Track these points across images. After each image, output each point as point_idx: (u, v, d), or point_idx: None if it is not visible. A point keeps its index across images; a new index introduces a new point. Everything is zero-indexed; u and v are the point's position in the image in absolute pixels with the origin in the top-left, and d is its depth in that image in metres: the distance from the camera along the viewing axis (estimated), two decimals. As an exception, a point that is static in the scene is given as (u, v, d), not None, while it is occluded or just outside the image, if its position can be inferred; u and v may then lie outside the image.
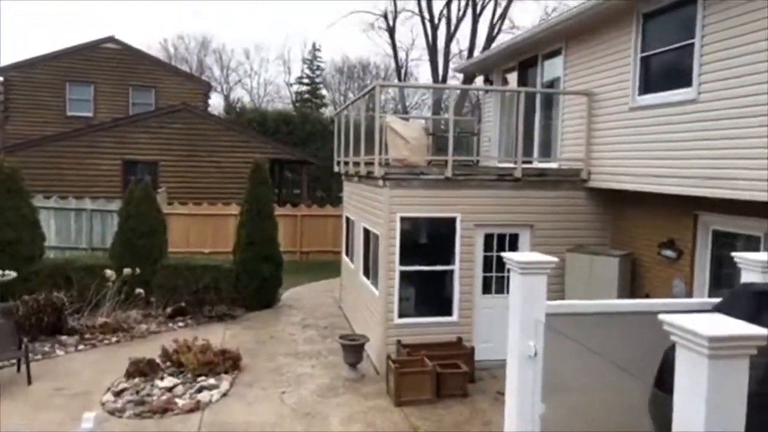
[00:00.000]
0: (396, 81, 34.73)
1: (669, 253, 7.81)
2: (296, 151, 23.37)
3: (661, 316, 1.88)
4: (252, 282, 12.34)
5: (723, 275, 7.52)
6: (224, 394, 8.09)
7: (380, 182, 8.80)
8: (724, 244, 7.42)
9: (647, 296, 8.35)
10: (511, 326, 2.99)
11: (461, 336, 8.92)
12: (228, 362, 8.85)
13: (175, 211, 17.38)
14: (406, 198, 8.71)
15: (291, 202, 20.40)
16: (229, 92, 46.40)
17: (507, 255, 2.98)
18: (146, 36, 61.86)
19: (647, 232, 8.41)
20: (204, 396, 7.94)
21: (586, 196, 9.19)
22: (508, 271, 9.14)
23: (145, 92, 25.00)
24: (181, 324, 11.34)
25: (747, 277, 3.16)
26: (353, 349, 8.69)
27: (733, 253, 3.31)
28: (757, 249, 6.75)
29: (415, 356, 8.19)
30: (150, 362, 8.66)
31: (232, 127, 22.55)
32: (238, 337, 10.69)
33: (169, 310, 11.60)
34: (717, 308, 3.04)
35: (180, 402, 7.73)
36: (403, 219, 8.74)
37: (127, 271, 10.96)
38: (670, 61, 7.49)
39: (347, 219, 12.68)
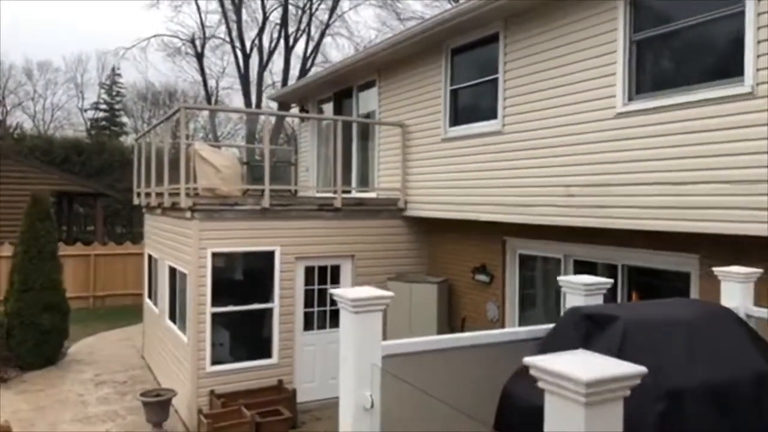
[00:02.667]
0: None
1: (482, 277, 8.09)
2: (89, 182, 20.81)
3: (526, 360, 1.59)
4: (28, 336, 10.33)
5: (527, 296, 7.99)
6: (-15, 483, 6.44)
7: (188, 214, 7.90)
8: (530, 266, 7.90)
9: (464, 320, 8.56)
10: (344, 374, 2.55)
11: (282, 378, 8.27)
12: (-8, 440, 7.13)
13: (-76, 255, 14.19)
14: (219, 231, 7.93)
15: (83, 241, 17.93)
16: (5, 116, 40.35)
17: (336, 292, 2.56)
18: None
19: (461, 258, 8.67)
20: (-46, 489, 6.22)
21: (404, 224, 9.26)
22: (331, 304, 8.84)
23: None
24: (-74, 396, 9.02)
25: (572, 299, 3.13)
26: (158, 406, 7.55)
27: (559, 277, 3.28)
28: (558, 270, 7.26)
29: (231, 406, 7.35)
30: None
31: (8, 155, 19.33)
32: (11, 405, 8.76)
33: None
34: (551, 335, 2.93)
35: None
36: (215, 255, 7.92)
37: None
38: (478, 93, 7.87)
39: (150, 257, 11.33)
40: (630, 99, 5.63)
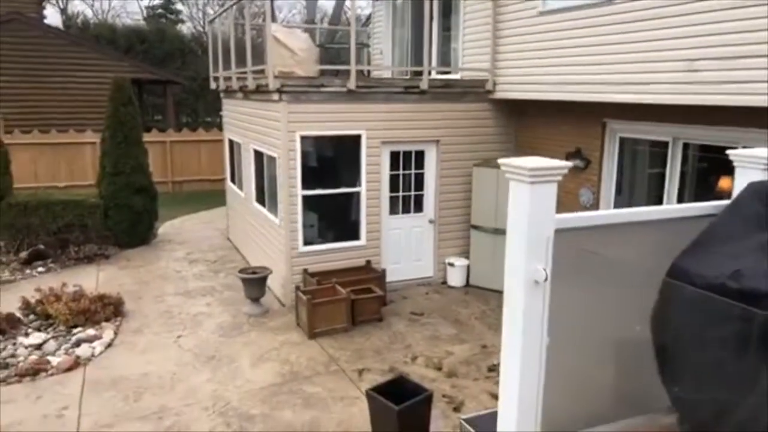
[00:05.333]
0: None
1: (577, 162, 7.78)
2: (159, 70, 20.86)
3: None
4: (124, 217, 10.88)
5: (625, 182, 7.68)
6: (109, 345, 7.03)
7: (275, 96, 7.78)
8: (630, 150, 7.51)
9: (552, 207, 8.37)
10: (514, 247, 2.46)
11: (370, 259, 8.47)
12: (108, 309, 7.71)
13: (16, 141, 14.83)
14: (306, 114, 7.82)
15: (156, 128, 18.30)
16: (66, 4, 40.30)
17: (509, 161, 2.41)
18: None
19: (553, 143, 8.33)
20: (84, 350, 6.83)
21: (491, 107, 8.89)
22: (416, 189, 8.79)
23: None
24: (41, 269, 9.76)
25: (746, 175, 2.87)
26: (256, 283, 7.92)
27: (728, 151, 3.00)
28: (664, 155, 6.88)
29: (325, 284, 7.63)
30: (8, 317, 7.29)
31: (79, 41, 19.42)
32: (116, 279, 9.42)
33: (24, 254, 9.91)
34: (728, 211, 2.72)
35: (54, 360, 6.57)
36: (303, 138, 7.88)
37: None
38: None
39: (231, 142, 11.45)
40: (781, -44, 4.92)
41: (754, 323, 2.30)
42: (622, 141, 7.50)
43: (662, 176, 6.91)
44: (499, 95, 8.68)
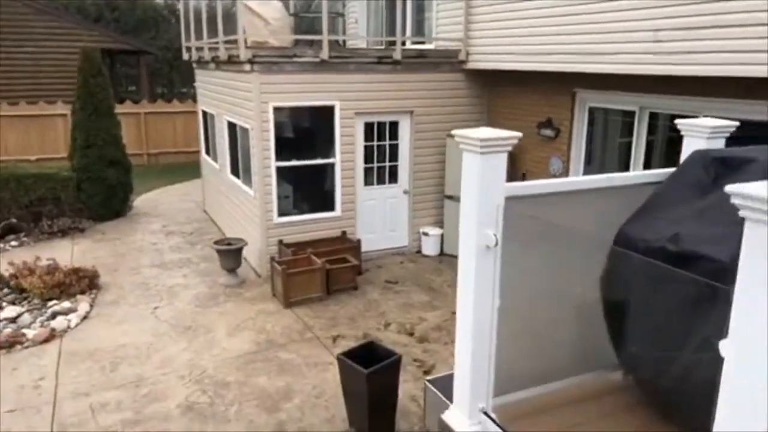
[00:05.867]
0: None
1: (548, 132, 7.90)
2: (129, 39, 20.40)
3: (729, 188, 1.54)
4: (97, 190, 10.79)
5: (593, 150, 7.82)
6: (85, 318, 7.07)
7: (247, 67, 7.73)
8: (598, 120, 7.64)
9: (524, 175, 8.52)
10: (466, 214, 2.56)
11: (345, 230, 8.57)
12: (83, 281, 7.72)
13: (-16, 113, 14.53)
14: (279, 85, 7.79)
15: (130, 99, 17.98)
16: (32, -30, 38.85)
17: (460, 132, 2.50)
18: None
19: (525, 113, 8.42)
20: (59, 322, 6.87)
21: (465, 78, 8.92)
22: (390, 160, 8.85)
23: None
24: (14, 243, 9.69)
25: (693, 143, 3.00)
26: (232, 254, 7.98)
27: (677, 120, 3.11)
28: (631, 124, 7.01)
29: (301, 255, 7.72)
30: (-18, 291, 7.28)
31: (47, 10, 18.85)
32: (91, 251, 9.40)
33: (-5, 228, 9.83)
34: (673, 178, 2.85)
35: (29, 333, 6.61)
36: (276, 109, 7.86)
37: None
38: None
39: (205, 113, 11.35)
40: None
41: (690, 285, 2.44)
42: (592, 111, 7.62)
43: (630, 145, 7.06)
44: (472, 65, 8.71)
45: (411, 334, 6.51)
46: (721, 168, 2.69)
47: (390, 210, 9.10)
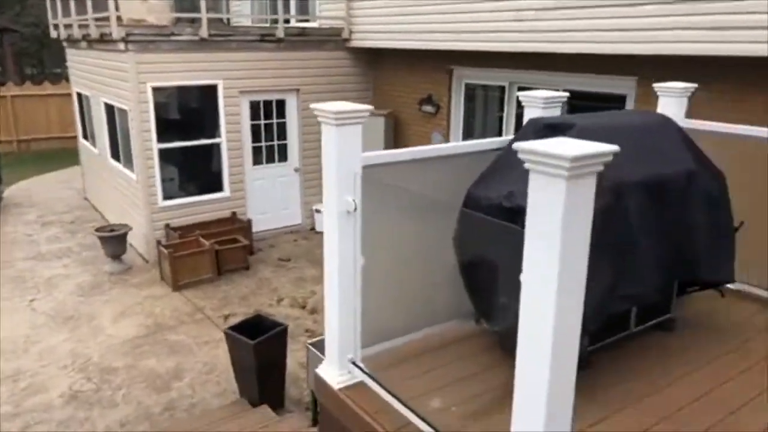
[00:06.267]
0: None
1: (428, 108, 8.26)
2: (-11, 15, 18.63)
3: (515, 145, 1.82)
4: (-40, 180, 9.95)
5: (471, 124, 8.29)
6: (-49, 316, 6.61)
7: (121, 46, 7.42)
8: (475, 95, 8.10)
9: (409, 152, 8.86)
10: (327, 182, 2.75)
11: (235, 211, 8.52)
12: (-52, 278, 7.18)
13: None
14: (157, 65, 7.56)
15: (-7, 82, 16.51)
16: None
17: (317, 105, 2.67)
18: None
19: (407, 89, 8.73)
20: None
21: (349, 56, 9.08)
22: (279, 139, 8.88)
23: None
24: None
25: (531, 112, 3.37)
26: (115, 241, 7.72)
27: (519, 93, 3.47)
28: (503, 98, 7.52)
29: (189, 237, 7.61)
30: None
31: None
32: (-45, 247, 8.71)
33: None
34: (509, 144, 3.19)
35: None
36: (156, 89, 7.63)
37: None
38: None
39: (80, 95, 10.72)
40: None
41: (519, 235, 2.79)
42: (469, 87, 8.06)
43: (502, 119, 7.58)
44: (355, 44, 8.88)
45: (303, 307, 6.68)
46: (550, 133, 3.04)
47: (282, 188, 9.15)
